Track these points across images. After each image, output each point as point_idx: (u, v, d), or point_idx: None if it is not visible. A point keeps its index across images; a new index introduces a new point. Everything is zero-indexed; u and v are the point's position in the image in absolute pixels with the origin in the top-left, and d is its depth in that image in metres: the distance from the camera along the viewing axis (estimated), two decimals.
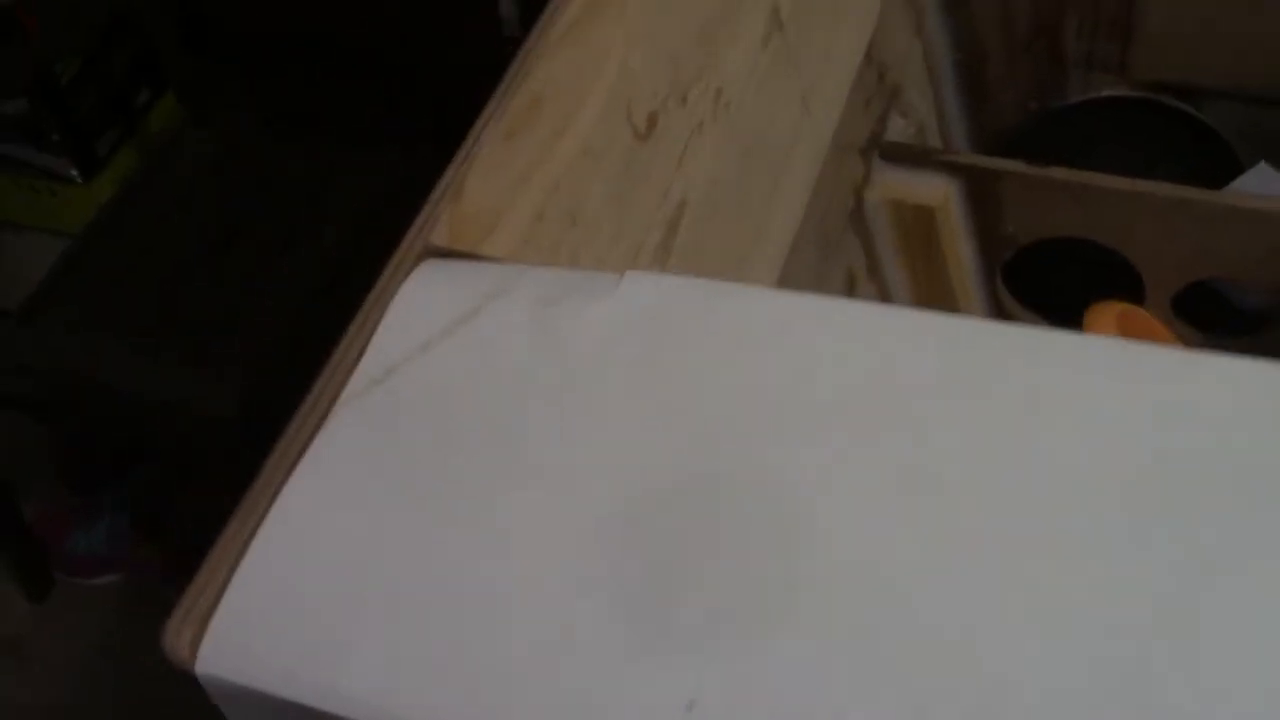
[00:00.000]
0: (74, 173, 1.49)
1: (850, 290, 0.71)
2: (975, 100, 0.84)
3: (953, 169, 0.71)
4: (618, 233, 0.43)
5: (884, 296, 0.75)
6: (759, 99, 0.53)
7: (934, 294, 0.76)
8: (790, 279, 0.58)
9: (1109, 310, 0.72)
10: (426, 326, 0.36)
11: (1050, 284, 0.77)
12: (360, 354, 0.37)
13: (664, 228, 0.46)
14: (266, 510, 0.33)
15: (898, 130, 0.75)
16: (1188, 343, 0.74)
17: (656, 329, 0.33)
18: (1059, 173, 0.69)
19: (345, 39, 1.55)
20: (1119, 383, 0.30)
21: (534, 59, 0.43)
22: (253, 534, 0.32)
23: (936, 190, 0.72)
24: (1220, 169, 0.79)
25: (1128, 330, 0.71)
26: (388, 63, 1.56)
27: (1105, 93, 0.80)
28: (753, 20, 0.52)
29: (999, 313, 0.78)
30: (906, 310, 0.34)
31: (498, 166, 0.40)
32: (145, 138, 1.57)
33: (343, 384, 0.36)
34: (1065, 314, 0.77)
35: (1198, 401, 0.29)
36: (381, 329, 0.37)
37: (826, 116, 0.59)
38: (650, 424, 0.31)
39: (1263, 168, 0.67)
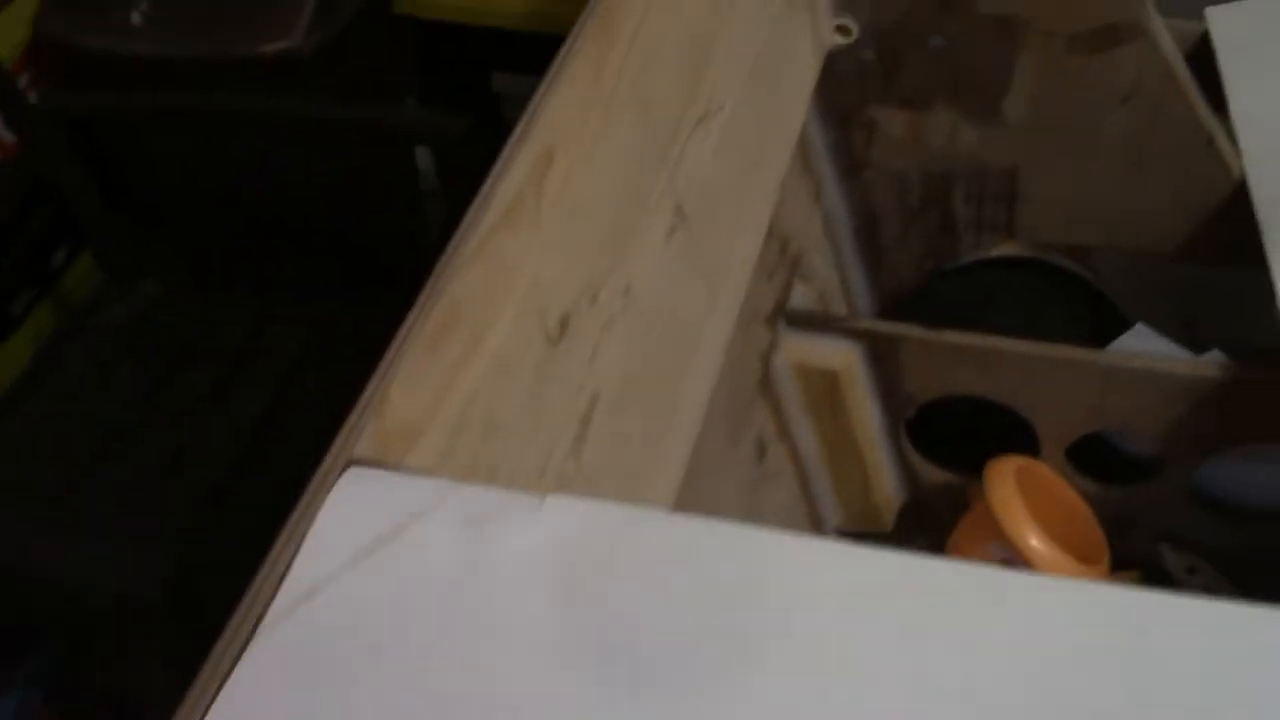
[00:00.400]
0: None
1: (760, 455, 0.73)
2: (874, 262, 0.88)
3: (854, 334, 0.75)
4: (532, 436, 0.45)
5: (794, 457, 0.78)
6: (666, 289, 0.55)
7: (842, 452, 0.79)
8: (702, 453, 0.60)
9: (1008, 465, 0.75)
10: (352, 543, 0.38)
11: (953, 437, 0.81)
12: (286, 569, 0.38)
13: (578, 423, 0.48)
14: None
15: (801, 295, 0.79)
16: (1084, 492, 0.78)
17: (577, 557, 0.35)
18: (954, 336, 0.73)
19: (263, 197, 1.58)
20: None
21: (452, 271, 0.45)
22: None
23: (840, 355, 0.75)
24: (1104, 320, 0.84)
25: (1026, 484, 0.74)
26: (307, 218, 1.58)
27: (995, 253, 0.84)
28: (658, 218, 0.55)
29: (905, 466, 0.81)
30: (814, 540, 0.36)
31: (419, 378, 0.42)
32: (62, 298, 1.57)
33: (269, 601, 0.37)
34: (968, 465, 0.81)
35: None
36: (307, 544, 0.38)
37: (732, 297, 0.62)
38: (573, 657, 0.33)
39: (1140, 328, 0.72)
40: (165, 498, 1.00)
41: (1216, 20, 0.90)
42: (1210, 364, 0.70)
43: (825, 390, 0.76)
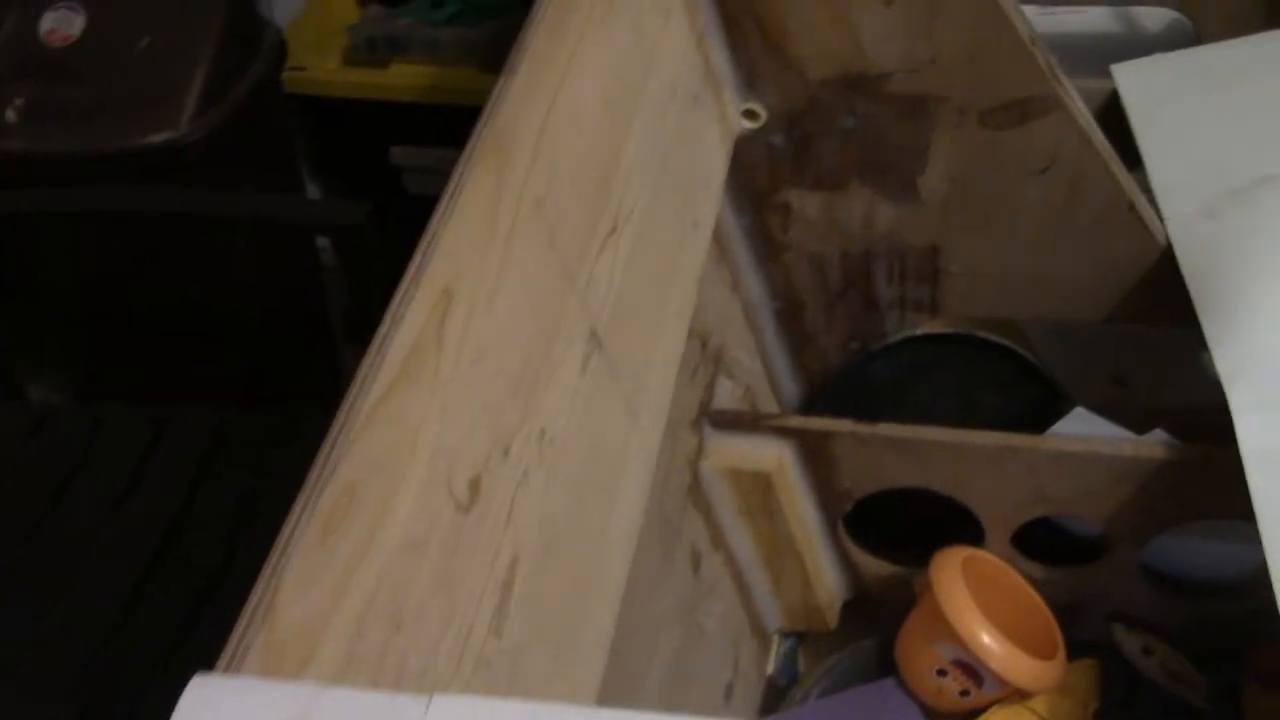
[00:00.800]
0: None
1: (696, 567, 0.69)
2: (797, 346, 0.85)
3: (784, 432, 0.71)
4: (447, 620, 0.41)
5: (730, 562, 0.74)
6: (585, 425, 0.51)
7: (779, 553, 0.75)
8: (635, 578, 0.56)
9: (954, 558, 0.72)
10: None
11: (894, 527, 0.77)
12: None
13: (498, 592, 0.44)
14: None
15: (726, 393, 0.75)
16: (1031, 576, 0.75)
17: None
18: (888, 429, 0.70)
19: (154, 295, 1.51)
20: None
21: (346, 442, 0.41)
22: None
23: (771, 455, 0.71)
24: (1036, 389, 0.82)
25: (973, 576, 0.71)
26: (203, 316, 1.52)
27: (921, 330, 0.81)
28: (571, 350, 0.51)
29: (845, 562, 0.77)
30: None
31: (311, 576, 0.37)
32: None
33: None
34: (911, 555, 0.78)
35: None
36: None
37: (655, 416, 0.58)
38: None
39: (1080, 411, 0.69)
40: (56, 644, 0.94)
41: (1123, 78, 0.89)
42: (1153, 444, 0.67)
43: (758, 493, 0.72)
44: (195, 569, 1.19)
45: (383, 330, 0.45)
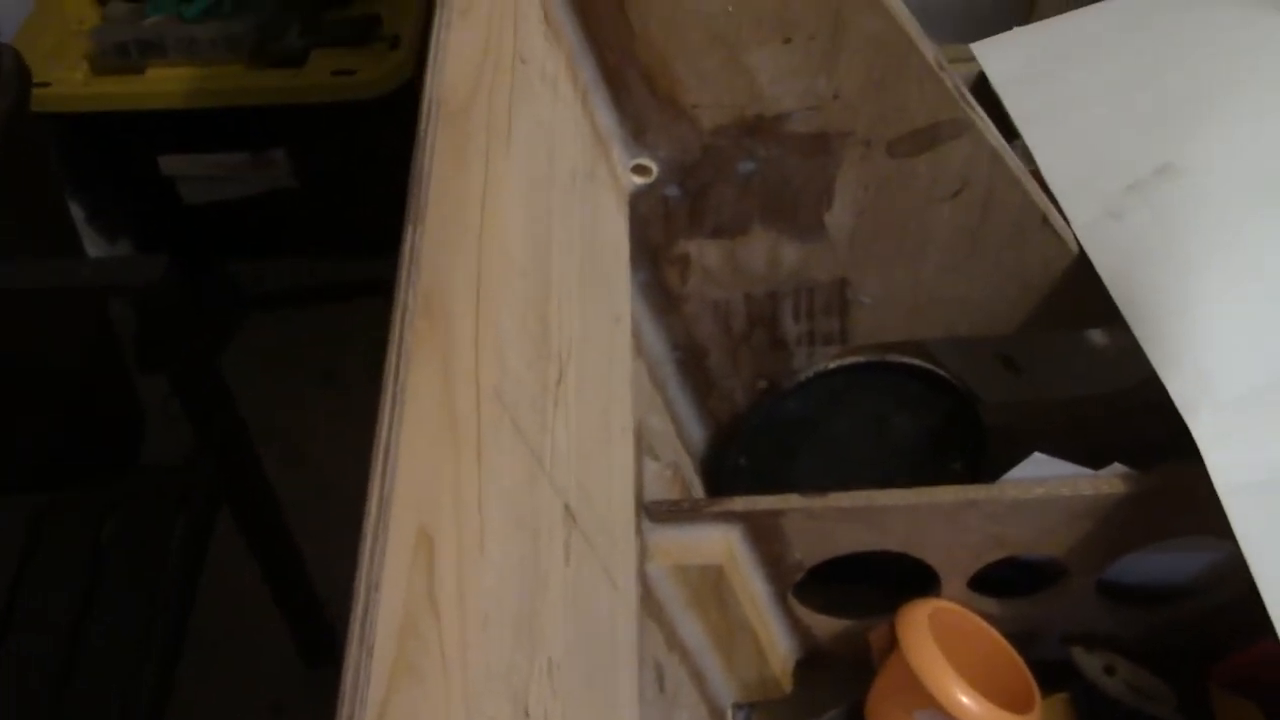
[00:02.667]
0: None
1: (660, 684, 0.63)
2: (702, 393, 0.79)
3: (730, 517, 0.66)
4: None
5: (686, 658, 0.69)
6: (578, 625, 0.45)
7: (731, 634, 0.70)
8: None
9: (919, 612, 0.68)
10: None
11: (841, 583, 0.73)
12: None
13: None
14: None
15: (654, 475, 0.69)
16: (986, 611, 0.72)
17: None
18: (838, 499, 0.65)
19: None
20: None
21: None
22: None
23: (719, 544, 0.66)
24: (948, 404, 0.79)
25: (939, 627, 0.68)
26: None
27: (833, 364, 0.77)
28: (554, 546, 0.44)
29: (797, 627, 0.73)
30: None
31: None
32: None
33: None
34: (863, 612, 0.74)
35: None
36: None
37: (628, 572, 0.52)
38: None
39: (1037, 457, 0.66)
40: None
41: (988, 57, 0.85)
42: (1111, 478, 0.65)
43: (709, 584, 0.67)
44: (40, 660, 1.08)
45: (359, 594, 0.37)
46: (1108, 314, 0.68)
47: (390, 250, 0.45)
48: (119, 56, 1.66)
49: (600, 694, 0.46)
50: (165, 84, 1.66)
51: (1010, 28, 0.88)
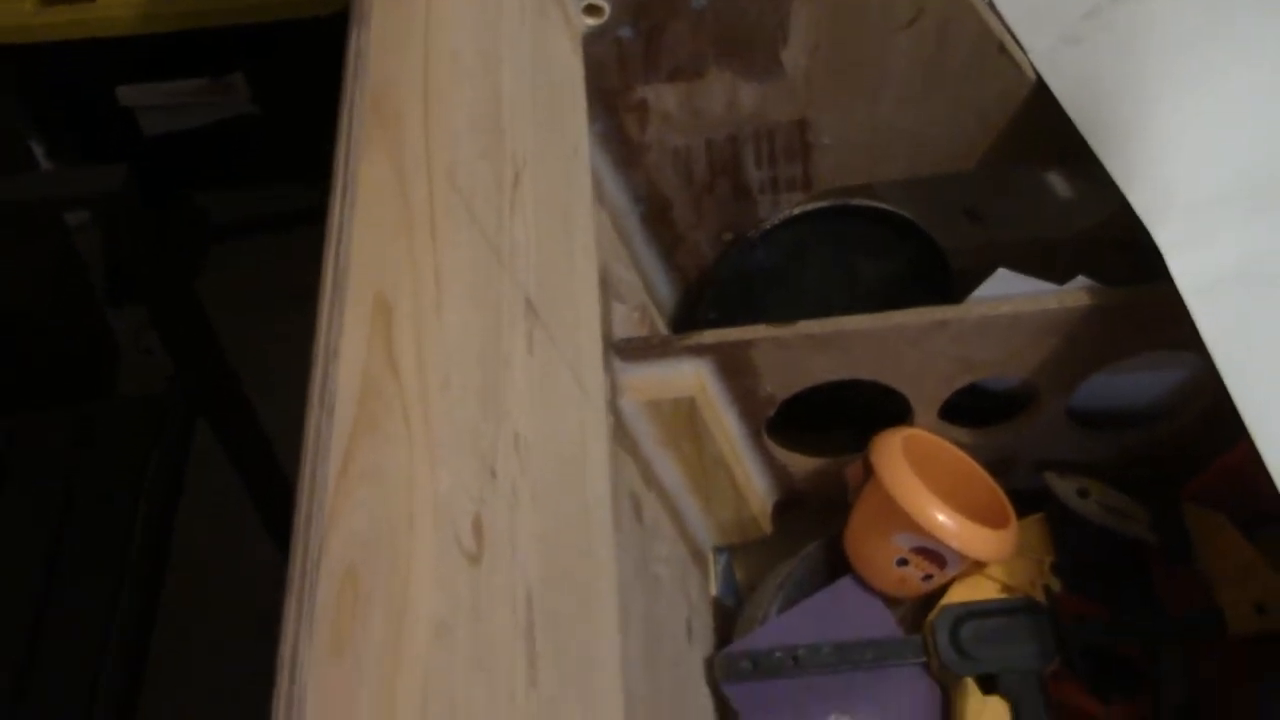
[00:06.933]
0: None
1: (638, 515, 0.64)
2: (668, 247, 0.79)
3: (699, 350, 0.66)
4: (492, 698, 0.35)
5: (663, 496, 0.69)
6: (545, 414, 0.45)
7: (707, 474, 0.71)
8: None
9: (893, 443, 0.69)
10: None
11: (813, 420, 0.74)
12: None
13: (524, 642, 0.38)
14: None
15: (622, 317, 0.69)
16: (959, 441, 0.73)
17: None
18: (808, 326, 0.66)
19: None
20: None
21: (322, 519, 0.33)
22: None
23: (690, 377, 0.66)
24: (912, 249, 0.79)
25: (913, 454, 0.69)
26: None
27: (796, 210, 0.77)
28: (515, 331, 0.44)
29: (772, 466, 0.74)
30: None
31: (340, 706, 0.30)
32: None
33: None
34: (833, 442, 0.75)
35: None
36: None
37: (596, 383, 0.52)
38: None
39: (1002, 273, 0.66)
40: None
41: None
42: (1077, 292, 0.65)
43: (682, 419, 0.67)
44: (17, 586, 1.08)
45: (318, 362, 0.37)
46: (1066, 145, 0.69)
47: None
48: None
49: (572, 497, 0.46)
50: (117, 9, 1.63)
51: None
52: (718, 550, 0.77)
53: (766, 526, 0.75)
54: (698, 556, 0.73)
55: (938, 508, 0.65)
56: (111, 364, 1.64)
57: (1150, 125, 0.66)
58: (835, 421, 0.75)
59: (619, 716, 0.44)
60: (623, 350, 0.66)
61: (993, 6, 0.71)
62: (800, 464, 0.74)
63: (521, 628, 0.38)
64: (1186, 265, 0.60)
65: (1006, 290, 0.66)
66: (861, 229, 0.78)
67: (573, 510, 0.46)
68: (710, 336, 0.66)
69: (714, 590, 0.75)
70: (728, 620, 0.74)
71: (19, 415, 1.24)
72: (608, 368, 0.65)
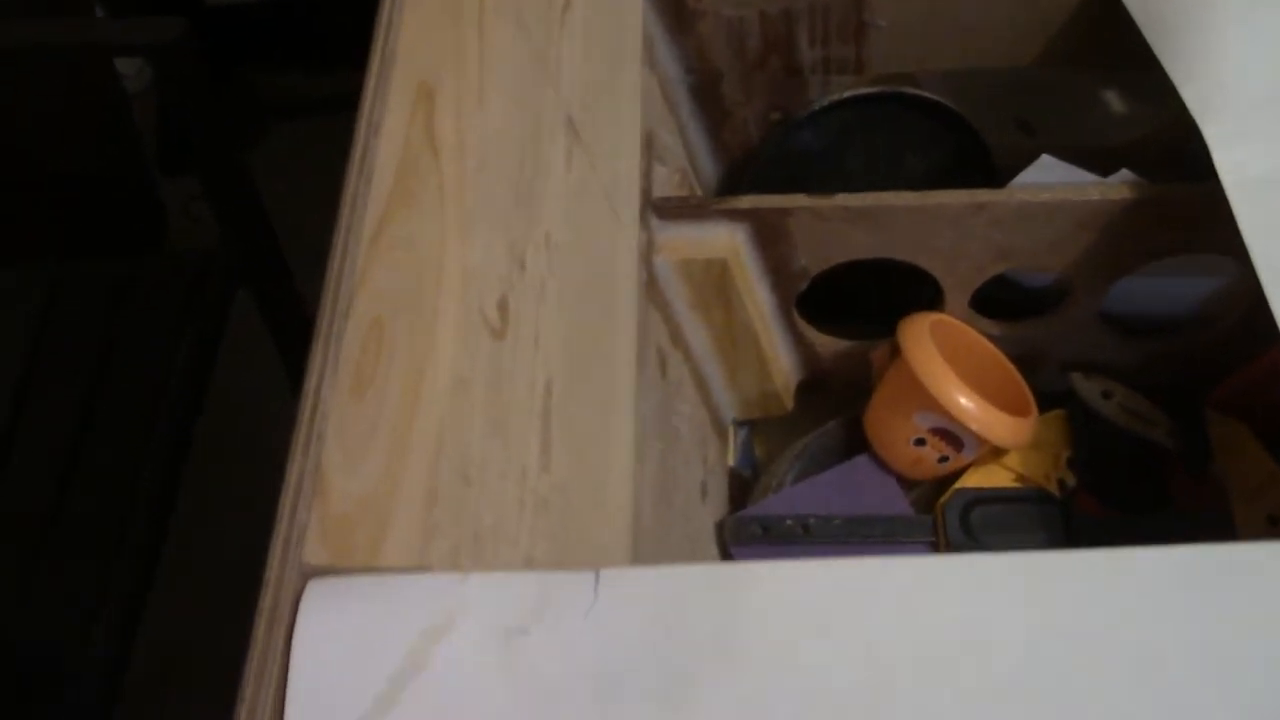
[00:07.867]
0: None
1: (663, 369, 0.65)
2: (715, 121, 0.79)
3: (736, 215, 0.66)
4: (505, 462, 0.36)
5: (689, 359, 0.70)
6: (579, 227, 0.46)
7: (734, 342, 0.71)
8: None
9: (921, 325, 0.69)
10: (358, 693, 0.28)
11: (843, 303, 0.74)
12: None
13: (540, 424, 0.39)
14: None
15: (663, 179, 0.70)
16: (988, 334, 0.73)
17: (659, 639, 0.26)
18: (846, 199, 0.66)
19: None
20: None
21: (354, 274, 0.34)
22: None
23: (724, 241, 0.67)
24: (961, 145, 0.78)
25: (939, 340, 0.69)
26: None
27: (847, 93, 0.77)
28: (556, 143, 0.45)
29: (800, 344, 0.74)
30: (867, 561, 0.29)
31: (359, 438, 0.32)
32: None
33: None
34: (863, 330, 0.75)
35: None
36: (292, 700, 0.28)
37: (631, 214, 0.53)
38: None
39: (1045, 159, 0.66)
40: None
41: None
42: (1119, 185, 0.65)
43: (713, 282, 0.67)
44: (52, 432, 1.10)
45: (359, 137, 0.38)
46: (1119, 53, 0.68)
47: None
48: None
49: (599, 308, 0.47)
50: None
51: None
52: (738, 424, 0.78)
53: (789, 403, 0.76)
54: (718, 427, 0.74)
55: (959, 388, 0.66)
56: (160, 230, 1.66)
57: (1210, 20, 0.66)
58: (864, 316, 0.76)
59: (627, 528, 0.45)
60: (660, 208, 0.66)
61: None
62: (827, 344, 0.75)
63: (539, 410, 0.39)
64: (1232, 159, 0.59)
65: (1049, 178, 0.66)
66: (910, 118, 0.78)
67: (599, 321, 0.46)
68: (747, 202, 0.66)
69: (732, 461, 0.76)
70: (743, 490, 0.75)
71: (65, 264, 1.25)
72: (644, 224, 0.66)
